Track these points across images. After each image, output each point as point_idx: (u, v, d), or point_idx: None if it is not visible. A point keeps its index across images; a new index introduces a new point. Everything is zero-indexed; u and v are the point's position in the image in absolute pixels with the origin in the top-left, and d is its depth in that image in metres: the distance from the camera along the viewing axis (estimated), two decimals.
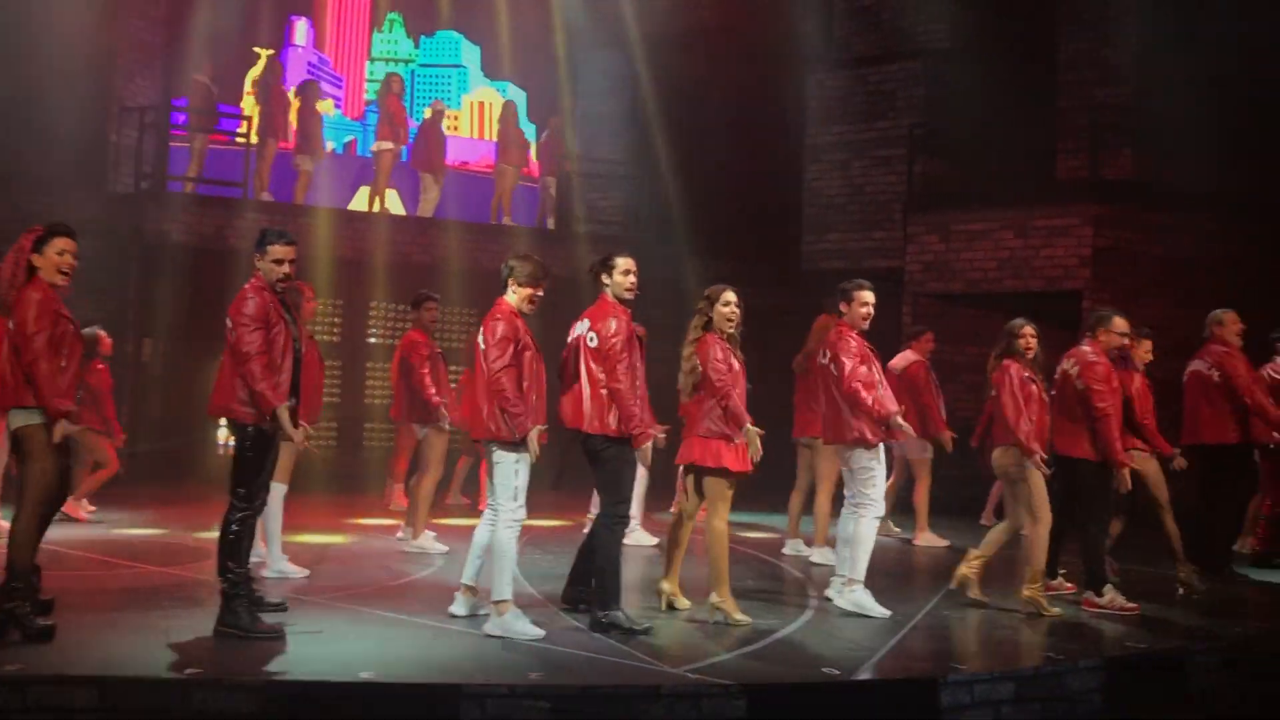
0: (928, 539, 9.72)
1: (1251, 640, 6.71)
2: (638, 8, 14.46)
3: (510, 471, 5.92)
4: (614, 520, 6.21)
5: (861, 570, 6.77)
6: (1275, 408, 8.39)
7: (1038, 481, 6.96)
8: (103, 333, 9.42)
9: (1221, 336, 8.53)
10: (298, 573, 7.21)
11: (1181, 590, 7.69)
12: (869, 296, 6.99)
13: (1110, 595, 7.14)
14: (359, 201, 13.92)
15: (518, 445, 5.87)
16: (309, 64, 14.28)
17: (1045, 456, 7.01)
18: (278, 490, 7.06)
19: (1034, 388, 7.07)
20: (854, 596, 6.74)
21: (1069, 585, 7.66)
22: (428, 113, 14.18)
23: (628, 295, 6.35)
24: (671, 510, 10.53)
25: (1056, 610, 6.88)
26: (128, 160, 12.81)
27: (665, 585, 6.72)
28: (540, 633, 5.83)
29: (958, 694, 5.41)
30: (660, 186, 14.49)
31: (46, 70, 11.60)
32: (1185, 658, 6.25)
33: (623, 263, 6.38)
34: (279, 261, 5.82)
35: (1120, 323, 7.39)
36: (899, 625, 6.50)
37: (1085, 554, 7.23)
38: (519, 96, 15.14)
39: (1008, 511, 7.29)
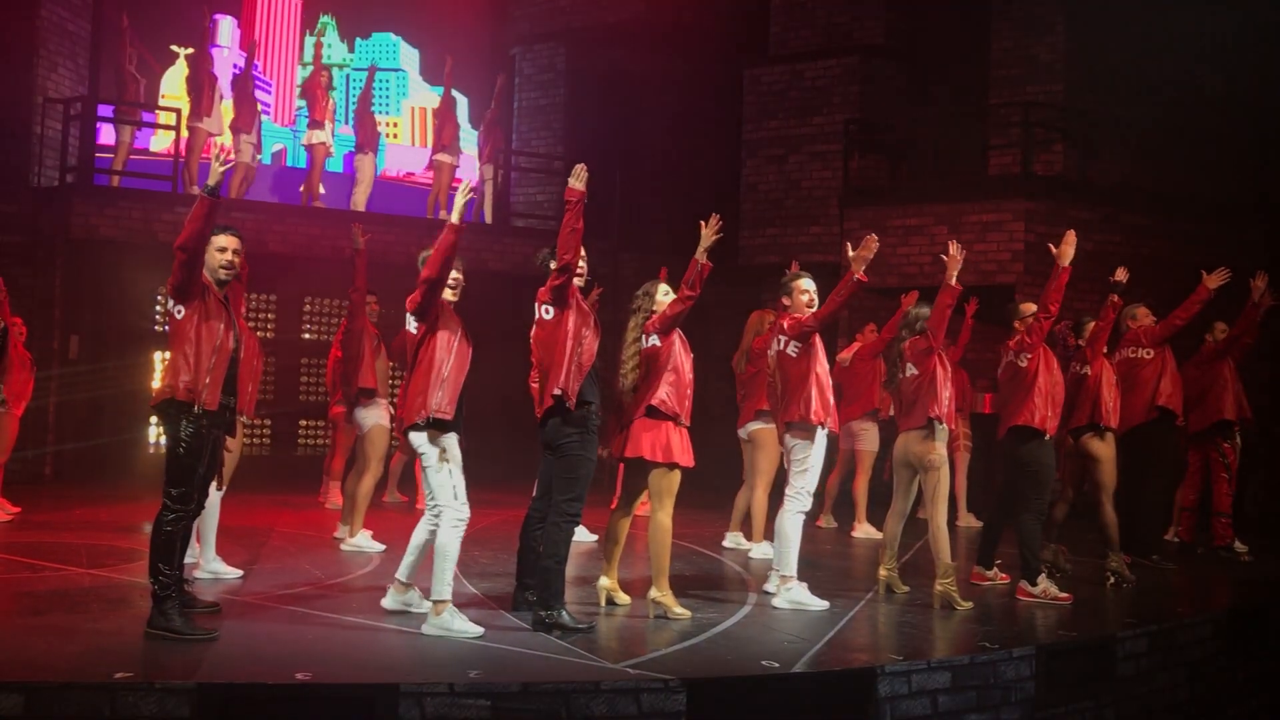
0: (865, 530, 9.83)
1: (1179, 627, 6.86)
2: (573, 1, 14.41)
3: (445, 472, 5.87)
4: (565, 518, 6.11)
5: (792, 566, 6.81)
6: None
7: (947, 474, 7.05)
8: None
9: (1135, 330, 8.81)
10: (231, 573, 7.10)
11: (1111, 580, 7.83)
12: (806, 284, 7.04)
13: (1044, 585, 7.26)
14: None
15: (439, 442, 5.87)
16: (235, 66, 13.93)
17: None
18: (215, 492, 6.96)
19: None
20: (790, 595, 6.77)
21: (1004, 575, 7.78)
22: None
23: (576, 281, 6.28)
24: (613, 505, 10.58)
25: (968, 604, 6.92)
26: (52, 153, 12.52)
27: (605, 581, 6.71)
28: (479, 630, 5.79)
29: (895, 684, 5.47)
30: (596, 181, 14.45)
31: None
32: (1115, 645, 6.37)
33: None
34: (222, 250, 5.73)
35: (1026, 306, 7.61)
36: (837, 617, 6.56)
37: (1021, 543, 7.34)
38: (460, 100, 14.93)
39: (896, 496, 7.29)
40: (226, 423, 5.83)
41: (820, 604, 6.74)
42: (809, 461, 6.83)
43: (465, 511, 5.93)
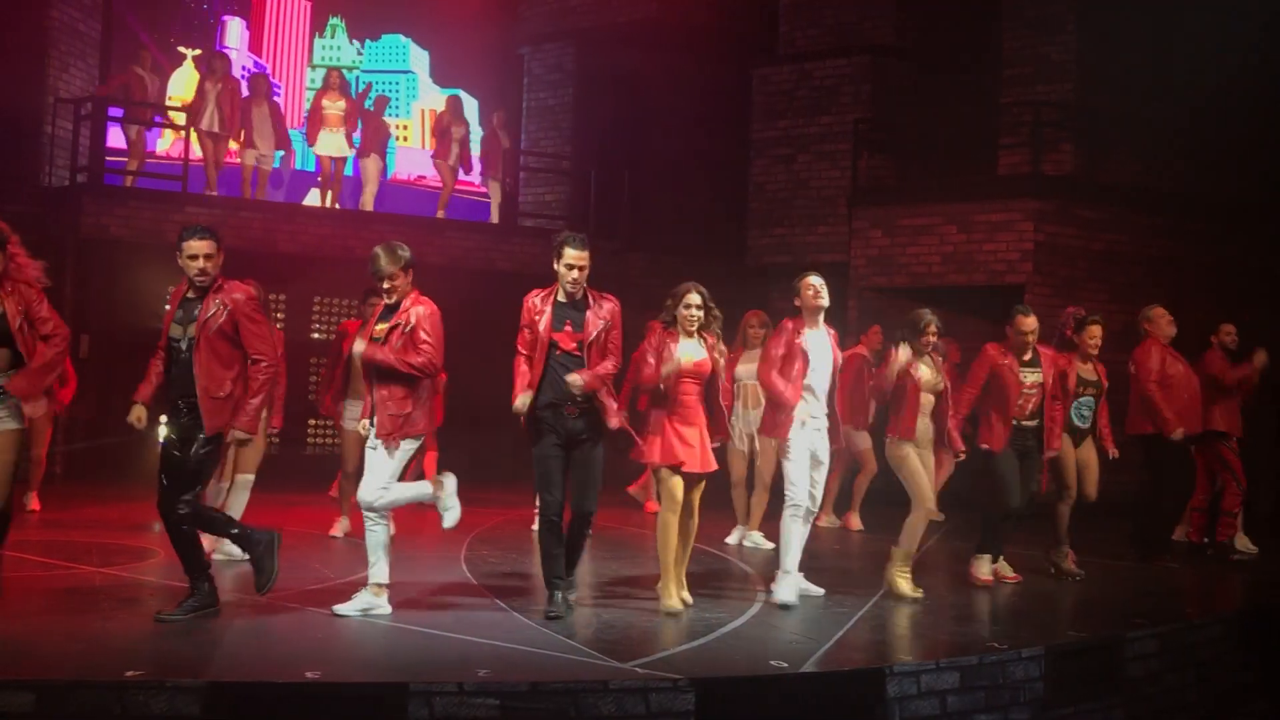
0: (853, 522, 10.20)
1: (1188, 628, 6.84)
2: (582, 1, 14.41)
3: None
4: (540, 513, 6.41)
5: (791, 563, 6.86)
6: (1169, 406, 8.54)
7: (917, 468, 7.13)
8: None
9: (1151, 332, 8.74)
10: (243, 555, 7.17)
11: (1053, 572, 7.93)
12: (812, 281, 6.99)
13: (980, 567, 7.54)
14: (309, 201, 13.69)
15: None
16: (244, 69, 13.92)
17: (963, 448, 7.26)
18: (244, 480, 7.30)
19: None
20: (784, 582, 6.83)
21: (1013, 576, 7.78)
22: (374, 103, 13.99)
23: (569, 287, 6.25)
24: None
25: (918, 592, 7.04)
26: (63, 153, 12.55)
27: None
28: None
29: (904, 684, 5.47)
30: (605, 181, 14.47)
31: None
32: (1124, 645, 6.36)
33: (566, 253, 6.23)
34: (193, 257, 5.76)
35: (1026, 322, 7.59)
36: (845, 617, 6.55)
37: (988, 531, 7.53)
38: (470, 103, 14.89)
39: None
40: (180, 424, 5.85)
41: (815, 590, 6.91)
42: (788, 466, 6.90)
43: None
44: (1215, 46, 11.98)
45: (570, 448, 6.24)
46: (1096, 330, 8.10)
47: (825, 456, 6.94)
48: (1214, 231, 12.38)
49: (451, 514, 6.26)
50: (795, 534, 6.85)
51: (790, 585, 6.82)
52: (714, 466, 6.62)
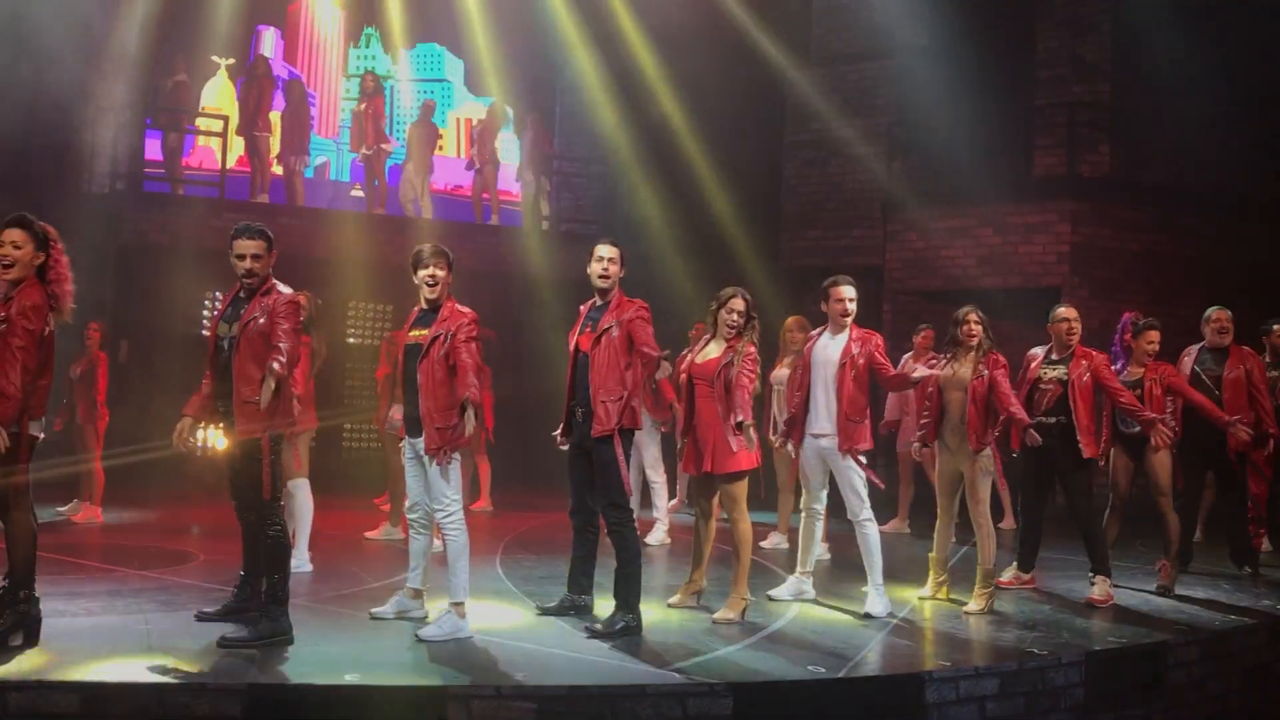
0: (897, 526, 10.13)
1: (1231, 634, 6.76)
2: (614, 6, 14.41)
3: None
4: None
5: (802, 564, 7.18)
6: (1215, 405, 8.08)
7: (939, 472, 7.23)
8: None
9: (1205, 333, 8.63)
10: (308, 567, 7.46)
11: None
12: (841, 292, 6.88)
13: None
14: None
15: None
16: (277, 78, 14.05)
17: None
18: (294, 484, 7.40)
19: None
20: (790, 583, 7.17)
21: (1007, 580, 7.71)
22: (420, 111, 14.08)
23: (597, 283, 6.30)
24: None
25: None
26: (103, 160, 12.70)
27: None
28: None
29: (943, 690, 5.43)
30: (638, 185, 14.47)
31: (22, 68, 11.51)
32: (1166, 651, 6.29)
33: (595, 249, 6.36)
34: (240, 257, 5.76)
35: (1068, 310, 7.56)
36: (884, 623, 6.52)
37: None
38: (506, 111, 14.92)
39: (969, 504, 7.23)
40: (223, 427, 5.81)
41: (801, 591, 7.03)
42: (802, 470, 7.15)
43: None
44: (1253, 43, 11.85)
45: (589, 450, 6.21)
46: (1154, 335, 7.90)
47: (836, 461, 6.78)
48: (1254, 233, 12.23)
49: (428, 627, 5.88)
50: (804, 534, 7.12)
51: (786, 584, 7.16)
52: (725, 467, 6.38)
